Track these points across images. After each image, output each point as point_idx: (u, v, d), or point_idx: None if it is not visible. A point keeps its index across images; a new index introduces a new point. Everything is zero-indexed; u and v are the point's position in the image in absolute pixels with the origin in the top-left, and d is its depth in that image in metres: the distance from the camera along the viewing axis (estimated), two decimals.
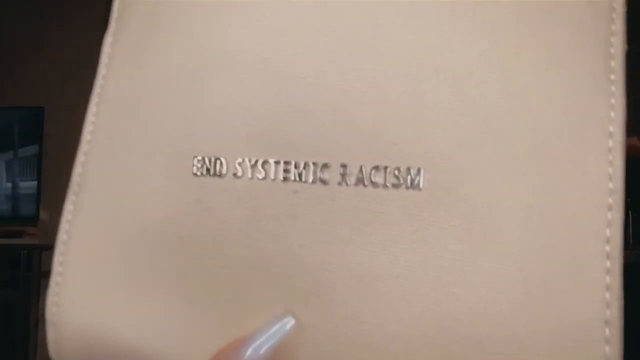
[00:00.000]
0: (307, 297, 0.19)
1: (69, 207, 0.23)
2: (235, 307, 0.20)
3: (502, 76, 0.19)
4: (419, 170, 0.18)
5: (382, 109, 0.19)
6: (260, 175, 0.20)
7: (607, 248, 0.17)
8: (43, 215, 1.35)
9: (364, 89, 0.20)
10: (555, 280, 0.17)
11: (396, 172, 0.19)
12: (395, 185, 0.19)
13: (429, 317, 0.17)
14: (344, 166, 0.19)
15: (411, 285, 0.18)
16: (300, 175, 0.20)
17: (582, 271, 0.16)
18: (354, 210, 0.19)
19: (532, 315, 0.16)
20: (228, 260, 0.20)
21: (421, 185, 0.18)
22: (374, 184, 0.19)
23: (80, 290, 0.22)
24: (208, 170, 0.21)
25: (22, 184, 1.41)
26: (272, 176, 0.20)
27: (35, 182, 1.39)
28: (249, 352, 0.17)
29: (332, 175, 0.19)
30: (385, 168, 0.19)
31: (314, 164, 0.19)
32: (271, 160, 0.20)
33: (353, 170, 0.19)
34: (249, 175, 0.20)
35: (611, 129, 0.17)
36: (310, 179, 0.19)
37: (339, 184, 0.19)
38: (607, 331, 0.16)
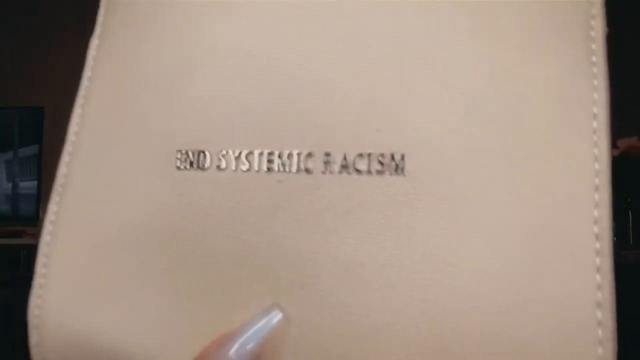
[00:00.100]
0: (292, 288, 0.18)
1: (52, 207, 0.23)
2: (220, 302, 0.19)
3: (484, 61, 0.19)
4: (402, 156, 0.18)
5: (365, 97, 0.19)
6: (244, 167, 0.20)
7: (596, 229, 0.16)
8: (43, 215, 1.34)
9: (346, 78, 0.20)
10: (544, 264, 0.16)
11: (380, 159, 0.18)
12: (379, 172, 0.18)
13: (417, 305, 0.17)
14: (327, 154, 0.19)
15: (397, 273, 0.17)
16: (284, 165, 0.19)
17: (571, 253, 0.16)
18: (338, 198, 0.19)
19: (521, 299, 0.16)
20: (212, 254, 0.20)
21: (405, 171, 0.18)
22: (358, 172, 0.19)
23: (64, 291, 0.21)
24: (191, 163, 0.21)
25: (22, 184, 1.41)
26: (256, 167, 0.20)
27: (35, 182, 1.39)
28: (235, 347, 0.17)
29: (316, 164, 0.19)
30: (369, 155, 0.19)
31: (298, 153, 0.19)
32: (255, 152, 0.20)
33: (337, 159, 0.19)
34: (233, 167, 0.20)
35: (595, 110, 0.17)
36: (295, 169, 0.19)
37: (323, 172, 0.19)
38: (599, 314, 0.16)
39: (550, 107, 0.18)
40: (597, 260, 0.16)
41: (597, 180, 0.17)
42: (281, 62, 0.21)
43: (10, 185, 1.42)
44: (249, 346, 0.17)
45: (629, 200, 1.12)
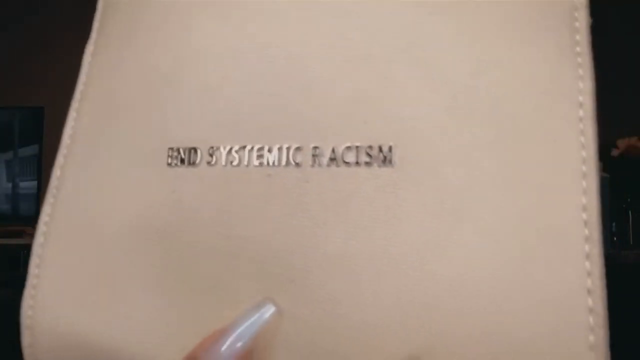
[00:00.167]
0: (282, 282, 0.18)
1: (46, 209, 0.23)
2: (211, 299, 0.19)
3: (468, 53, 0.19)
4: (390, 148, 0.18)
5: (351, 91, 0.19)
6: (235, 162, 0.20)
7: (584, 216, 0.16)
8: None
9: (333, 72, 0.20)
10: (534, 250, 0.16)
11: (368, 151, 0.19)
12: (367, 164, 0.19)
13: (407, 296, 0.17)
14: (316, 148, 0.19)
15: (387, 264, 0.18)
16: (273, 159, 0.20)
17: (560, 240, 0.16)
18: (327, 191, 0.19)
19: (512, 286, 0.16)
20: (203, 250, 0.20)
21: (393, 162, 0.18)
22: (347, 164, 0.19)
23: (56, 292, 0.21)
24: (182, 160, 0.21)
25: (22, 184, 1.41)
26: (245, 162, 0.20)
27: (35, 182, 1.39)
28: (227, 343, 0.17)
29: (305, 157, 0.19)
30: (357, 147, 0.19)
31: (287, 147, 0.20)
32: (246, 147, 0.20)
33: (325, 152, 0.19)
34: (223, 163, 0.20)
35: (581, 99, 0.17)
36: (284, 162, 0.19)
37: (312, 165, 0.19)
38: (589, 300, 0.16)
39: (536, 97, 0.18)
40: (587, 247, 0.16)
41: (584, 168, 0.17)
42: (269, 60, 0.21)
43: (10, 185, 1.42)
44: (242, 341, 0.17)
45: (629, 200, 1.12)
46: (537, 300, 0.16)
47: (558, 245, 0.16)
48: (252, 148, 0.20)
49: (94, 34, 0.25)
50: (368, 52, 0.20)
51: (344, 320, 0.18)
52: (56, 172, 0.23)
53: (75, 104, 0.24)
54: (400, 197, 0.18)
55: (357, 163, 0.19)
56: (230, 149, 0.20)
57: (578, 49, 0.18)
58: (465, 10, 0.19)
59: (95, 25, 0.25)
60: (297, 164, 0.19)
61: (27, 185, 1.41)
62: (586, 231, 0.16)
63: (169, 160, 0.21)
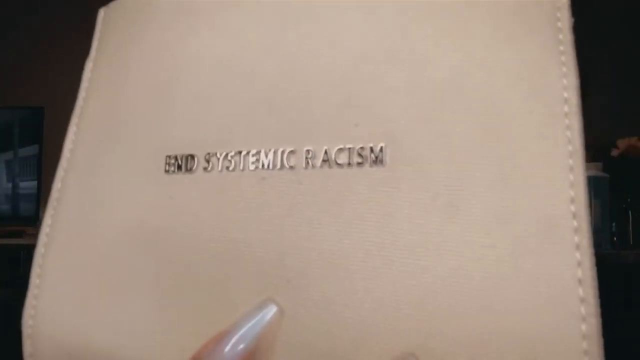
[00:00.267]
0: (278, 283, 0.19)
1: (47, 220, 0.23)
2: (209, 301, 0.20)
3: (454, 54, 0.19)
4: (382, 148, 0.19)
5: (342, 95, 0.20)
6: (230, 167, 0.21)
7: (573, 208, 0.17)
8: (43, 215, 1.34)
9: (323, 78, 0.20)
10: (524, 243, 0.17)
11: (360, 151, 0.19)
12: (359, 164, 0.19)
13: (402, 294, 0.17)
14: (309, 151, 0.20)
15: (381, 262, 0.18)
16: (268, 163, 0.20)
17: (550, 232, 0.17)
18: (321, 192, 0.19)
19: (504, 280, 0.17)
20: (200, 254, 0.20)
21: (385, 162, 0.19)
22: (339, 165, 0.19)
23: (57, 301, 0.22)
24: (179, 166, 0.21)
25: (22, 184, 1.41)
26: (241, 167, 0.20)
27: (35, 182, 1.39)
28: (230, 344, 0.17)
29: (298, 160, 0.20)
30: (349, 149, 0.19)
31: (281, 151, 0.20)
32: (240, 152, 0.21)
33: (318, 154, 0.20)
34: (219, 168, 0.21)
35: (565, 95, 0.18)
36: (278, 165, 0.20)
37: (305, 167, 0.20)
38: (580, 290, 0.16)
39: (521, 94, 0.18)
40: (576, 238, 0.16)
41: (571, 161, 0.17)
42: (262, 67, 0.21)
43: (10, 185, 1.42)
44: (245, 342, 0.17)
45: (629, 200, 1.12)
46: (529, 292, 0.16)
47: (548, 238, 0.17)
48: (248, 153, 0.21)
49: (93, 51, 0.26)
50: (356, 57, 0.20)
51: (339, 319, 0.18)
52: (57, 184, 0.24)
53: (75, 119, 0.25)
54: (392, 195, 0.18)
55: (349, 164, 0.19)
56: (226, 154, 0.21)
57: (561, 47, 0.18)
58: (449, 12, 0.20)
59: (95, 43, 0.26)
60: (291, 167, 0.20)
61: (27, 185, 1.41)
62: (575, 223, 0.17)
63: (167, 167, 0.22)
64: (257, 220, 0.20)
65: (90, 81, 0.25)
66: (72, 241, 0.22)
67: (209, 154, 0.21)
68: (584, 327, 0.15)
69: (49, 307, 0.22)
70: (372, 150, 0.19)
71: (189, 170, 0.21)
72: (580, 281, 0.16)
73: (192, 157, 0.21)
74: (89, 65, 0.26)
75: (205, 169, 0.21)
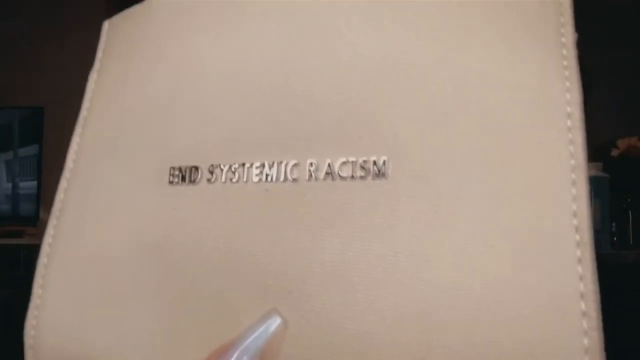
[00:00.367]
0: (280, 295, 0.19)
1: (50, 231, 0.24)
2: (211, 311, 0.20)
3: (458, 69, 0.19)
4: (384, 162, 0.19)
5: (346, 108, 0.20)
6: (234, 179, 0.21)
7: (575, 221, 0.17)
8: (43, 215, 1.34)
9: (327, 91, 0.21)
10: (526, 257, 0.17)
11: (362, 164, 0.19)
12: (362, 177, 0.19)
13: (403, 305, 0.17)
14: (312, 163, 0.20)
15: (383, 273, 0.18)
16: (271, 175, 0.20)
17: (552, 246, 0.17)
18: (323, 204, 0.19)
19: (506, 293, 0.17)
20: (204, 265, 0.20)
21: (387, 175, 0.19)
22: (342, 178, 0.19)
23: (60, 312, 0.22)
24: (183, 178, 0.22)
25: (22, 184, 1.41)
26: (244, 179, 0.21)
27: (35, 182, 1.39)
28: (235, 356, 0.17)
29: (302, 172, 0.20)
30: (352, 162, 0.19)
31: (285, 164, 0.20)
32: (244, 164, 0.21)
33: (321, 167, 0.20)
34: (223, 180, 0.21)
35: (569, 109, 0.18)
36: (282, 178, 0.20)
37: (308, 180, 0.20)
38: (582, 304, 0.16)
39: (525, 109, 0.18)
40: (578, 252, 0.16)
41: (573, 176, 0.17)
42: (266, 79, 0.22)
43: (10, 185, 1.42)
44: (249, 354, 0.17)
45: (629, 200, 1.12)
46: (530, 306, 0.16)
47: (550, 251, 0.17)
48: (251, 165, 0.21)
49: (97, 62, 0.26)
50: (359, 70, 0.20)
51: (341, 331, 0.18)
52: (60, 195, 0.24)
53: (78, 129, 0.25)
54: (394, 208, 0.18)
55: (352, 177, 0.19)
56: (230, 166, 0.21)
57: (565, 62, 0.19)
58: (451, 26, 0.20)
59: (99, 54, 0.27)
60: (294, 179, 0.20)
61: (27, 185, 1.41)
62: (577, 236, 0.17)
63: (171, 179, 0.22)
64: (260, 232, 0.20)
65: (94, 92, 0.26)
66: (75, 252, 0.22)
67: (212, 165, 0.21)
68: (586, 341, 0.15)
69: (51, 317, 0.22)
70: (374, 163, 0.19)
71: (193, 181, 0.21)
72: (582, 295, 0.16)
73: (196, 168, 0.21)
74: (93, 76, 0.26)
75: (209, 180, 0.21)
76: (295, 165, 0.20)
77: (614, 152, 1.20)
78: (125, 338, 0.20)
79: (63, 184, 0.24)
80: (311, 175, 0.20)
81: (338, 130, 0.20)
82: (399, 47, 0.20)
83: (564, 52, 0.19)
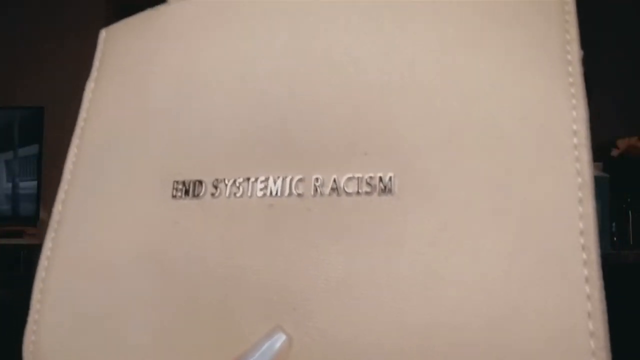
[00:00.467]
0: (284, 311, 0.19)
1: (48, 244, 0.23)
2: (214, 328, 0.19)
3: (461, 84, 0.19)
4: (390, 178, 0.19)
5: (351, 124, 0.20)
6: (238, 193, 0.21)
7: (582, 240, 0.17)
8: (43, 215, 1.34)
9: (333, 106, 0.20)
10: (533, 276, 0.17)
11: (368, 180, 0.19)
12: (368, 193, 0.19)
13: (408, 323, 0.17)
14: (318, 179, 0.20)
15: (387, 291, 0.18)
16: (276, 190, 0.20)
17: (559, 264, 0.16)
18: (328, 220, 0.19)
19: (511, 312, 0.16)
20: (206, 280, 0.20)
21: (393, 190, 0.19)
22: (348, 193, 0.19)
23: (58, 326, 0.22)
24: (187, 192, 0.21)
25: (22, 184, 1.41)
26: (249, 193, 0.20)
27: (35, 182, 1.38)
28: None
29: (307, 188, 0.20)
30: (358, 178, 0.19)
31: (290, 179, 0.20)
32: (249, 178, 0.21)
33: (327, 182, 0.20)
34: (227, 194, 0.21)
35: (575, 127, 0.18)
36: (286, 193, 0.20)
37: (314, 195, 0.20)
38: (590, 324, 0.16)
39: (530, 125, 0.18)
40: (585, 271, 0.16)
41: (580, 194, 0.17)
42: (272, 94, 0.21)
43: (10, 185, 1.42)
44: None
45: (629, 200, 1.12)
46: (537, 326, 0.16)
47: (557, 270, 0.16)
48: (256, 179, 0.20)
49: (94, 71, 0.26)
50: (368, 87, 0.20)
51: (345, 348, 0.18)
52: (57, 207, 0.24)
53: (75, 140, 0.25)
54: (399, 225, 0.18)
55: (358, 193, 0.19)
56: (234, 180, 0.21)
57: (571, 79, 0.18)
58: (457, 42, 0.20)
59: (96, 63, 0.26)
60: (299, 195, 0.20)
61: (27, 185, 1.41)
62: (584, 255, 0.16)
63: (174, 192, 0.21)
64: (263, 247, 0.19)
65: (91, 101, 0.25)
66: (74, 265, 0.22)
67: (217, 179, 0.21)
68: None
69: (50, 332, 0.22)
70: (381, 179, 0.19)
71: (197, 195, 0.21)
72: (589, 314, 0.16)
73: (200, 182, 0.21)
74: (90, 85, 0.25)
75: (212, 195, 0.21)
76: (300, 180, 0.20)
77: (614, 152, 1.20)
78: (124, 354, 0.20)
79: (61, 195, 0.24)
80: (317, 190, 0.20)
81: (344, 146, 0.20)
82: (404, 62, 0.20)
83: (570, 69, 0.19)
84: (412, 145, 0.19)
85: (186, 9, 0.24)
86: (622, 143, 1.20)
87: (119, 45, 0.26)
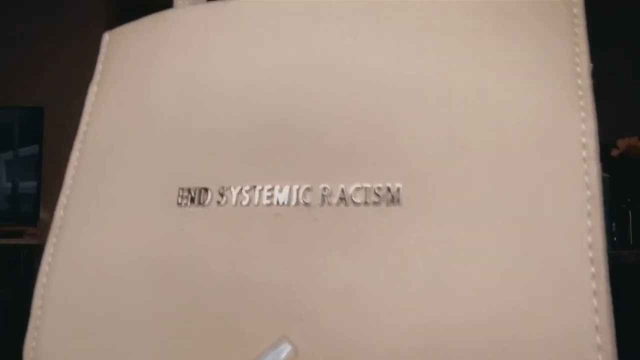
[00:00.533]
0: (291, 322, 0.19)
1: (49, 249, 0.23)
2: (218, 337, 0.19)
3: (469, 95, 0.19)
4: (398, 189, 0.19)
5: (358, 133, 0.20)
6: (244, 202, 0.20)
7: (590, 254, 0.17)
8: (43, 215, 1.34)
9: (340, 116, 0.20)
10: (541, 289, 0.16)
11: (376, 191, 0.19)
12: (375, 203, 0.19)
13: (415, 335, 0.17)
14: (325, 188, 0.20)
15: (394, 302, 0.18)
16: (283, 199, 0.20)
17: (567, 278, 0.16)
18: (336, 229, 0.19)
19: (519, 324, 0.16)
20: (211, 288, 0.20)
21: (401, 201, 0.19)
22: (356, 203, 0.19)
23: (59, 333, 0.21)
24: (192, 199, 0.21)
25: (22, 184, 1.41)
26: (255, 202, 0.20)
27: (35, 182, 1.38)
28: None
29: (314, 197, 0.20)
30: (366, 188, 0.19)
31: (297, 188, 0.20)
32: (255, 186, 0.20)
33: (335, 192, 0.19)
34: (233, 202, 0.21)
35: (584, 140, 0.18)
36: (293, 202, 0.20)
37: (321, 205, 0.19)
38: (598, 338, 0.16)
39: (537, 137, 0.18)
40: (593, 284, 0.16)
41: (589, 207, 0.17)
42: (279, 102, 0.21)
43: (10, 185, 1.42)
44: None
45: (629, 200, 1.12)
46: (544, 339, 0.16)
47: (565, 284, 0.16)
48: (263, 188, 0.20)
49: (97, 75, 0.26)
50: (376, 97, 0.20)
51: (353, 358, 0.18)
52: (59, 212, 0.23)
53: (78, 144, 0.24)
54: (407, 235, 0.18)
55: (365, 203, 0.19)
56: (241, 188, 0.21)
57: (580, 92, 0.18)
58: (466, 53, 0.20)
59: (99, 67, 0.26)
60: (306, 204, 0.20)
61: (27, 185, 1.41)
62: (592, 269, 0.16)
63: (179, 200, 0.21)
64: (269, 256, 0.19)
65: (94, 105, 0.25)
66: (75, 271, 0.22)
67: (223, 187, 0.21)
68: None
69: (51, 338, 0.21)
70: (389, 190, 0.19)
71: (202, 203, 0.21)
72: (597, 328, 0.16)
73: (206, 190, 0.21)
74: (92, 89, 0.25)
75: (219, 202, 0.21)
76: (307, 189, 0.20)
77: (614, 152, 1.20)
78: None
79: (62, 200, 0.24)
80: (324, 200, 0.19)
81: (351, 155, 0.20)
82: (411, 71, 0.20)
83: (579, 81, 0.19)
84: (420, 156, 0.19)
85: (191, 14, 0.24)
86: (622, 143, 1.20)
87: (122, 49, 0.25)
